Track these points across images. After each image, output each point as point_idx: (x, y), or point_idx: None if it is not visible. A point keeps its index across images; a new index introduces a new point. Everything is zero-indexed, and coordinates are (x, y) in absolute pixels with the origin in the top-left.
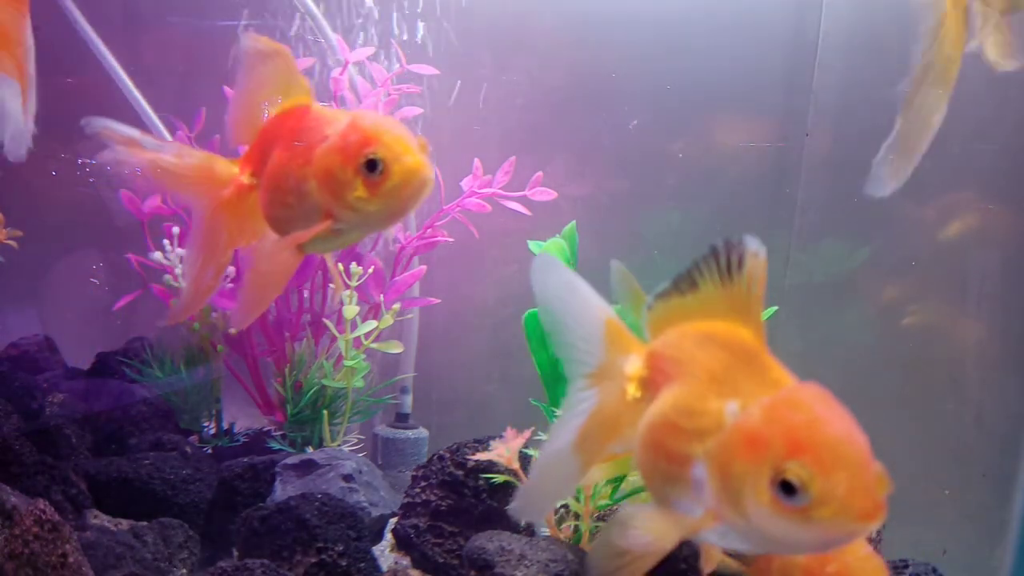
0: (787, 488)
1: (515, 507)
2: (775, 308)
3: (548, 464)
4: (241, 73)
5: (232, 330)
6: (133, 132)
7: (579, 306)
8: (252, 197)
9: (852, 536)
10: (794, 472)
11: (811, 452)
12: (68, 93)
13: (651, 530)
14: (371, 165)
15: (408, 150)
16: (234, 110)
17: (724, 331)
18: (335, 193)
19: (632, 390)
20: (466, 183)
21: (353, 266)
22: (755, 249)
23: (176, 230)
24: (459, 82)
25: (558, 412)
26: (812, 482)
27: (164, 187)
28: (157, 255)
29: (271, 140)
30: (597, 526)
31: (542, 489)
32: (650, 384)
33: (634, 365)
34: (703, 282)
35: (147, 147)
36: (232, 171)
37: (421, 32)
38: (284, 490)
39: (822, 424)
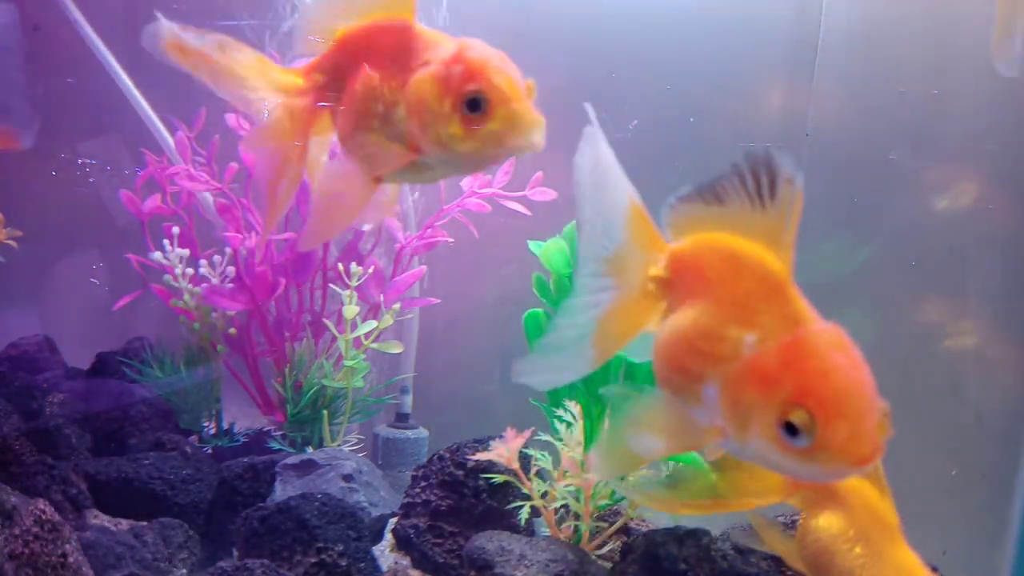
0: (790, 429)
1: (518, 369)
2: None
3: (562, 346)
4: None
5: (231, 330)
6: (185, 35)
7: (608, 183)
8: (314, 111)
9: (846, 476)
10: (799, 417)
11: (817, 399)
12: (68, 93)
13: (662, 426)
14: (473, 103)
15: (517, 95)
16: (311, 11)
17: (753, 254)
18: (427, 126)
19: (652, 287)
20: (466, 183)
21: (353, 266)
22: (790, 174)
23: (176, 230)
24: None
25: (557, 411)
26: (814, 428)
27: (216, 88)
28: (157, 255)
29: (355, 53)
30: (598, 526)
31: (548, 364)
32: (669, 287)
33: (657, 264)
34: (730, 199)
35: (191, 44)
36: (291, 79)
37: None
38: (284, 490)
39: (832, 373)
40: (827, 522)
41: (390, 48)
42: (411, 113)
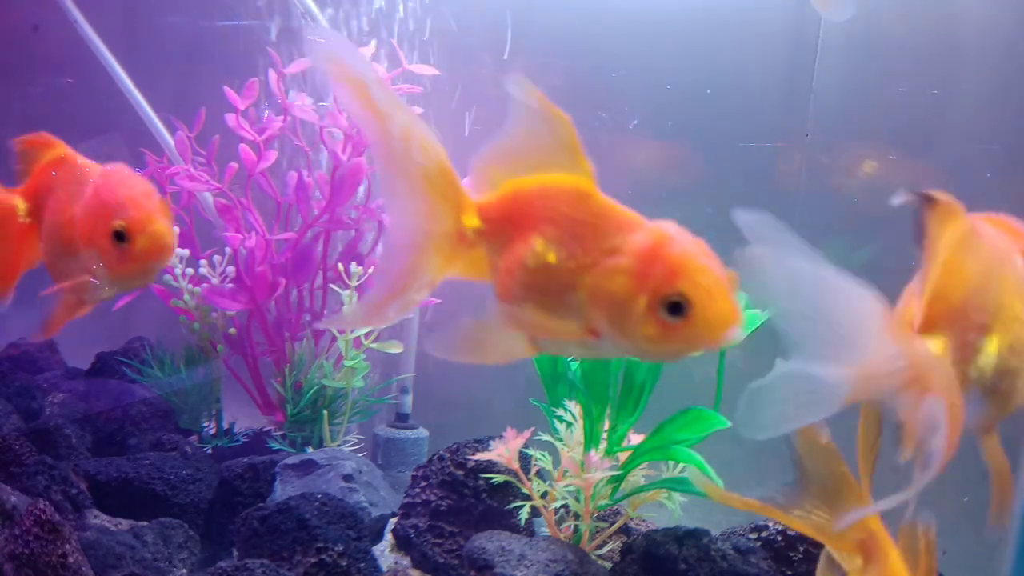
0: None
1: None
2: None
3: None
4: (509, 126)
5: (231, 330)
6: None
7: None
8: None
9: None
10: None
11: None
12: (68, 93)
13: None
14: (674, 308)
15: (722, 295)
16: (481, 158)
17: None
18: (615, 321)
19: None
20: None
21: (353, 266)
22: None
23: (176, 230)
24: (459, 83)
25: (557, 411)
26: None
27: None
28: None
29: (528, 211)
30: (598, 526)
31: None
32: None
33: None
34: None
35: None
36: (470, 220)
37: (427, 33)
38: (284, 490)
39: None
40: None
41: (571, 219)
42: (596, 303)
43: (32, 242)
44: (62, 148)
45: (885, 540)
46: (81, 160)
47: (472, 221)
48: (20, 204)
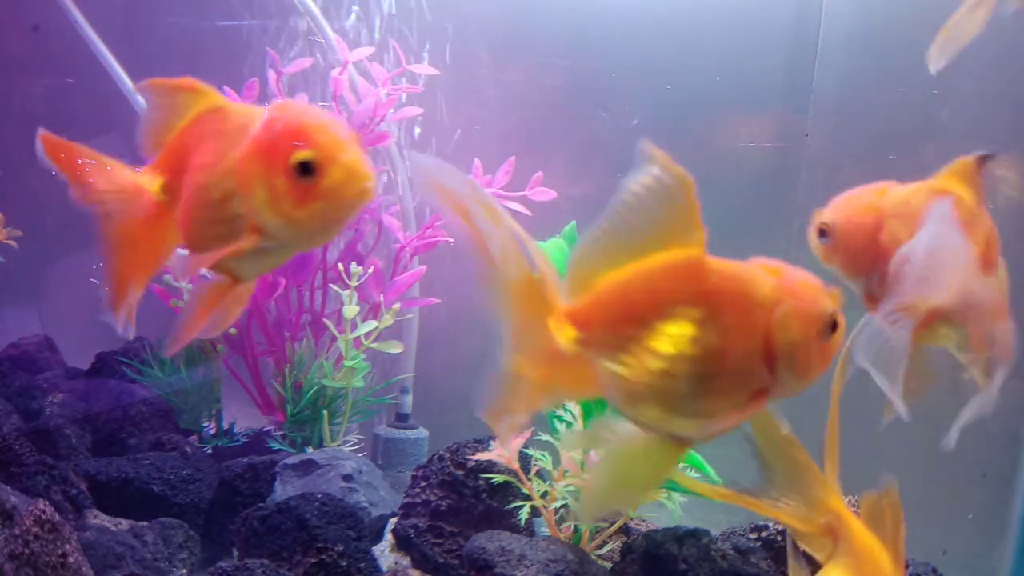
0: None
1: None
2: None
3: None
4: (629, 204)
5: (232, 330)
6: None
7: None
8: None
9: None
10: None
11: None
12: (68, 93)
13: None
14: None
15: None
16: (585, 252)
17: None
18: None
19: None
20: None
21: (353, 266)
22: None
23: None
24: (459, 83)
25: (557, 411)
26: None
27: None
28: None
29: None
30: (598, 526)
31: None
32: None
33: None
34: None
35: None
36: None
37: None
38: (284, 490)
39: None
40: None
41: (674, 300)
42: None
43: (168, 226)
44: (214, 96)
45: (851, 519)
46: (240, 106)
47: (567, 333)
48: (151, 181)
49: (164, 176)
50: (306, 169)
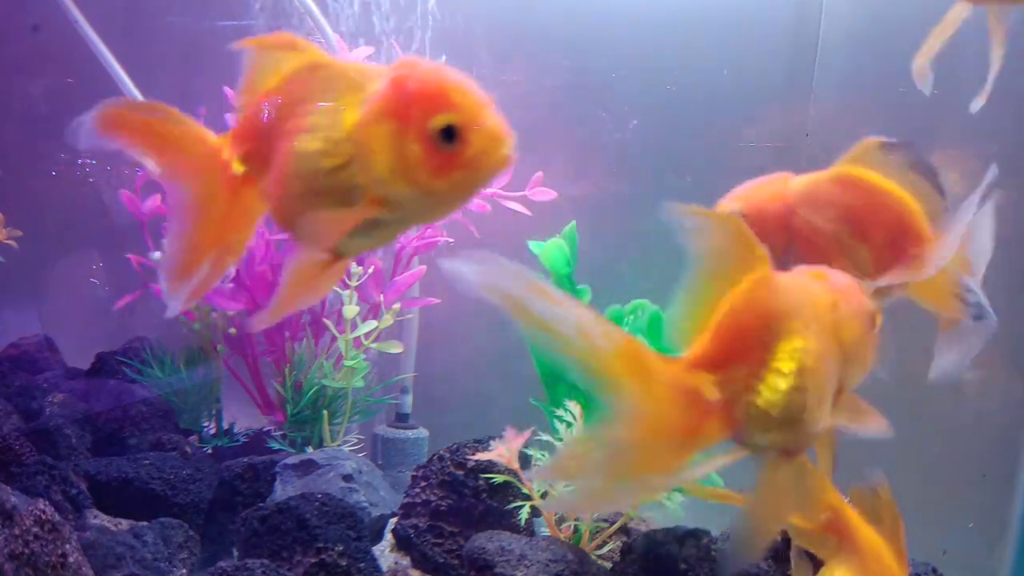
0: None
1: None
2: None
3: None
4: (695, 250)
5: (231, 330)
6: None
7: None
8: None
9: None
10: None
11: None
12: (68, 93)
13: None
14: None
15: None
16: (681, 311)
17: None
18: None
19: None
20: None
21: (353, 266)
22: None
23: None
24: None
25: (557, 411)
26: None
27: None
28: (157, 255)
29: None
30: (598, 526)
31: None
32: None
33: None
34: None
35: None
36: None
37: (430, 32)
38: (284, 490)
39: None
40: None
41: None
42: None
43: (250, 199)
44: (312, 52)
45: (852, 515)
46: (347, 63)
47: (704, 379)
48: (229, 151)
49: (245, 144)
50: (448, 135)
